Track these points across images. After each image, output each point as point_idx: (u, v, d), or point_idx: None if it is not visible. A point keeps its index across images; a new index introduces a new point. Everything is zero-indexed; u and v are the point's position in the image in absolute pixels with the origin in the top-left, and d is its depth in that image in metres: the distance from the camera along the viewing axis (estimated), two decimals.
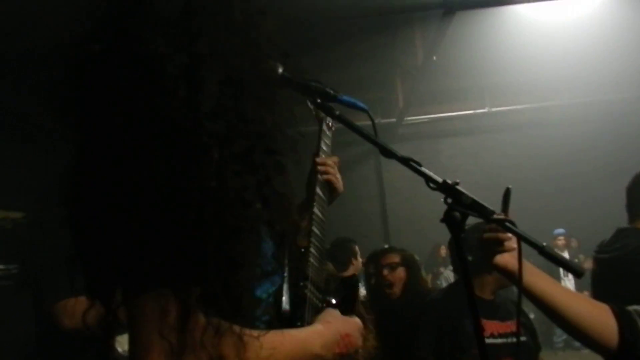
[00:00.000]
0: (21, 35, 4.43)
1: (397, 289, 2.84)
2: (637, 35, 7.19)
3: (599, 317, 1.22)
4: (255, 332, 0.82)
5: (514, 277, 1.21)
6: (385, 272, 2.85)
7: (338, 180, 1.41)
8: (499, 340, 2.10)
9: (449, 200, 0.93)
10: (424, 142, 9.22)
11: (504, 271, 1.26)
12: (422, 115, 9.13)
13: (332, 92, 1.11)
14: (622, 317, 1.21)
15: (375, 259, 3.02)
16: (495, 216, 0.95)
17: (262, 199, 0.84)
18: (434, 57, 6.71)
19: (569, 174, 8.86)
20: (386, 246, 3.86)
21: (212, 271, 0.76)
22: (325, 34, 5.91)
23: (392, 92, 8.68)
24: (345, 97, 1.15)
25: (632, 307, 1.26)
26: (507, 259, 1.25)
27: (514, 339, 2.05)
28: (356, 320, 1.07)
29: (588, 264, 8.41)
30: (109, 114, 0.78)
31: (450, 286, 2.61)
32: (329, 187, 1.38)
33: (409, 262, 2.92)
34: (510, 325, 2.12)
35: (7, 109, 5.18)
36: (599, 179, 8.25)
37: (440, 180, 0.96)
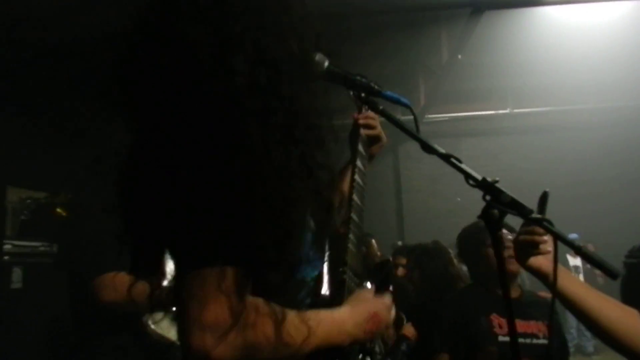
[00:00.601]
0: (61, 26, 4.53)
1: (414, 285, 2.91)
2: None
3: (631, 322, 1.25)
4: (292, 312, 0.87)
5: (548, 280, 1.25)
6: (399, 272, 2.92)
7: (381, 132, 1.42)
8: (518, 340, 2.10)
9: (488, 198, 0.95)
10: (444, 141, 9.15)
11: (538, 273, 1.29)
12: (444, 113, 9.09)
13: (376, 87, 1.15)
14: None
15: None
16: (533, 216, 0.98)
17: (306, 171, 0.87)
18: (459, 56, 6.66)
19: (589, 180, 8.75)
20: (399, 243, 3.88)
21: (264, 242, 0.80)
22: (350, 28, 5.91)
23: (415, 90, 8.64)
24: (389, 93, 1.18)
25: None
26: (541, 262, 1.28)
27: (535, 340, 2.05)
28: (385, 299, 1.11)
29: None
30: (155, 99, 0.83)
31: (467, 285, 2.62)
32: (371, 142, 1.40)
33: (419, 262, 2.96)
34: (533, 326, 2.11)
35: (42, 94, 5.28)
36: (620, 185, 8.14)
37: (479, 177, 0.97)
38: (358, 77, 1.13)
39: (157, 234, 0.86)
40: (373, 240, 3.79)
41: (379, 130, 1.42)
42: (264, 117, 0.82)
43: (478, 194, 0.97)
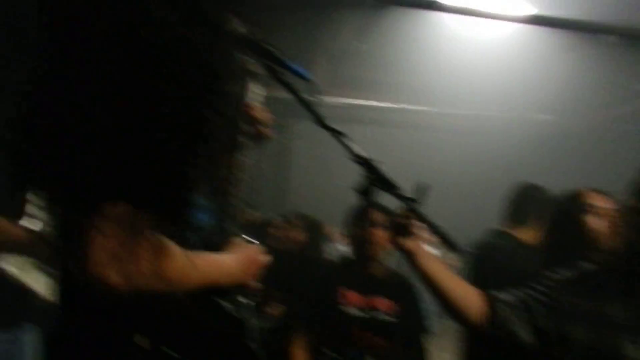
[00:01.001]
0: None
1: (294, 245, 3.06)
2: (542, 62, 7.84)
3: (471, 297, 1.44)
4: (181, 249, 0.94)
5: (412, 258, 1.40)
6: (285, 230, 3.08)
7: (267, 131, 1.47)
8: (361, 313, 2.23)
9: (365, 173, 1.03)
10: (336, 126, 9.35)
11: (405, 252, 1.42)
12: (341, 98, 9.29)
13: (280, 56, 1.16)
14: (489, 302, 1.45)
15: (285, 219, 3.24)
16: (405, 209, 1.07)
17: (212, 133, 0.92)
18: (360, 44, 6.83)
19: (458, 181, 9.53)
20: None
21: (162, 181, 0.85)
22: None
23: (312, 70, 8.70)
24: (292, 64, 1.19)
25: (502, 295, 1.49)
26: (409, 242, 1.40)
27: (382, 317, 2.20)
28: (259, 246, 1.23)
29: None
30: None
31: (337, 261, 2.76)
32: (257, 133, 1.43)
33: (310, 227, 3.13)
34: (383, 303, 2.25)
35: None
36: (482, 190, 8.95)
37: (362, 154, 1.05)
38: (264, 43, 1.14)
39: (48, 170, 0.86)
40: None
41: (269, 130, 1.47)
42: (173, 67, 0.85)
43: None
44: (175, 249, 0.93)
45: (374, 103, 9.69)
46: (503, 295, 1.49)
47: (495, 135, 10.14)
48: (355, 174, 1.05)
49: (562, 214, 1.87)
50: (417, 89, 9.67)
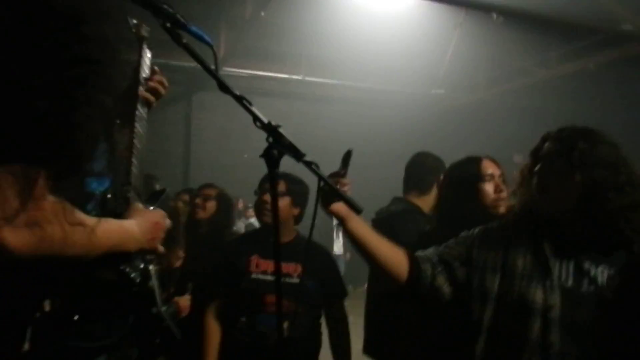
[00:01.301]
0: None
1: (204, 215, 3.07)
2: (434, 39, 8.24)
3: (397, 257, 1.54)
4: (83, 214, 0.93)
5: (344, 222, 1.48)
6: (199, 200, 3.08)
7: (161, 94, 1.47)
8: (268, 277, 2.29)
9: (270, 140, 1.03)
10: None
11: (337, 215, 1.47)
12: (241, 69, 9.13)
13: (182, 20, 1.11)
14: (413, 261, 1.55)
15: (195, 190, 3.25)
16: (333, 173, 1.29)
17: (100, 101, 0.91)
18: (262, 13, 6.73)
19: (363, 152, 9.84)
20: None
21: (60, 151, 0.85)
22: None
23: (215, 40, 8.47)
24: (194, 28, 1.15)
25: (420, 253, 1.60)
26: (339, 207, 1.46)
27: (288, 279, 2.26)
28: (160, 211, 1.25)
29: None
30: None
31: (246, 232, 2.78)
32: (148, 101, 1.42)
33: (221, 198, 3.13)
34: (291, 267, 2.31)
35: None
36: (386, 160, 9.35)
37: (266, 120, 1.05)
38: (165, 6, 1.09)
39: None
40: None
41: (161, 92, 1.46)
42: (59, 35, 0.84)
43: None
44: (79, 214, 0.93)
45: (274, 74, 9.63)
46: (424, 254, 1.59)
47: (394, 108, 10.58)
48: (254, 146, 1.07)
49: (459, 181, 1.98)
50: (318, 60, 9.77)
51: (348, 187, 1.46)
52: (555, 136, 1.52)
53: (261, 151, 1.06)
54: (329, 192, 1.42)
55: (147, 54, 1.46)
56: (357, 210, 1.10)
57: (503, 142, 9.95)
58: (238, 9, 7.42)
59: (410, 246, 1.63)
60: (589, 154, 1.42)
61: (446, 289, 1.56)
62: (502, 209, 1.87)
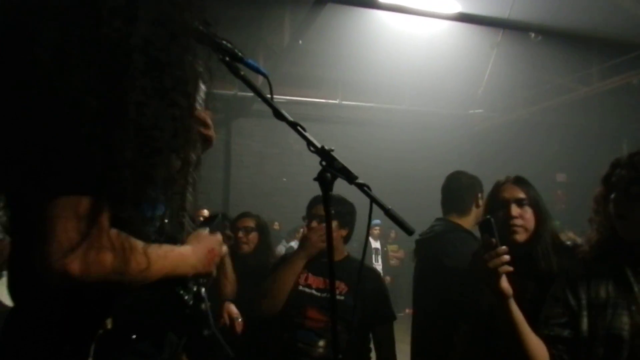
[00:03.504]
0: None
1: (249, 249, 3.12)
2: (471, 59, 8.22)
3: (543, 351, 1.49)
4: (141, 243, 0.98)
5: (507, 301, 1.46)
6: (241, 235, 3.12)
7: (213, 134, 1.51)
8: (313, 292, 2.34)
9: (324, 163, 1.08)
10: (277, 121, 9.21)
11: (503, 294, 1.46)
12: (279, 94, 9.31)
13: (240, 53, 1.19)
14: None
15: (233, 222, 3.28)
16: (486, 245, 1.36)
17: (173, 131, 1.00)
18: (300, 42, 6.89)
19: (400, 175, 9.82)
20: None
21: (123, 180, 0.90)
22: None
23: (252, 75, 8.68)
24: (250, 61, 1.22)
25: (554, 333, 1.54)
26: (506, 285, 1.46)
27: (327, 294, 2.27)
28: (217, 236, 1.27)
29: (400, 254, 9.47)
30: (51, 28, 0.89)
31: None
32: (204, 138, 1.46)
33: (261, 228, 3.18)
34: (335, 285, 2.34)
35: None
36: (422, 180, 9.29)
37: (319, 145, 1.10)
38: (224, 41, 1.17)
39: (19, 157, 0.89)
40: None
41: (212, 132, 1.49)
42: (147, 75, 0.92)
43: (301, 176, 1.10)
44: (135, 242, 0.97)
45: (311, 99, 9.78)
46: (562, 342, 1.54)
47: (432, 129, 10.53)
48: (291, 171, 1.11)
49: (489, 206, 1.96)
50: (355, 85, 9.87)
51: (508, 256, 1.46)
52: (627, 162, 1.51)
53: (297, 176, 1.10)
54: (489, 271, 1.45)
55: (202, 88, 1.54)
56: (408, 231, 1.12)
57: (545, 162, 9.75)
58: (276, 37, 7.63)
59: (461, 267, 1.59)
60: None
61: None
62: (518, 236, 1.77)
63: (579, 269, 1.57)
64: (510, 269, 1.46)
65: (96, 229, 0.88)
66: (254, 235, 3.09)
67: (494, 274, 1.45)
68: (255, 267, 2.97)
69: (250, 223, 3.13)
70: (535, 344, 1.49)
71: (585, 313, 1.49)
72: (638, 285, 1.44)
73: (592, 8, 6.40)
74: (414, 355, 2.53)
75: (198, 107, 1.48)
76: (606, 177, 1.55)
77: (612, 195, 1.49)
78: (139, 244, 0.97)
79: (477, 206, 2.49)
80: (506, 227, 1.79)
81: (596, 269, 1.53)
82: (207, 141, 1.48)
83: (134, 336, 1.07)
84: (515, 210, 1.80)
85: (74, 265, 0.86)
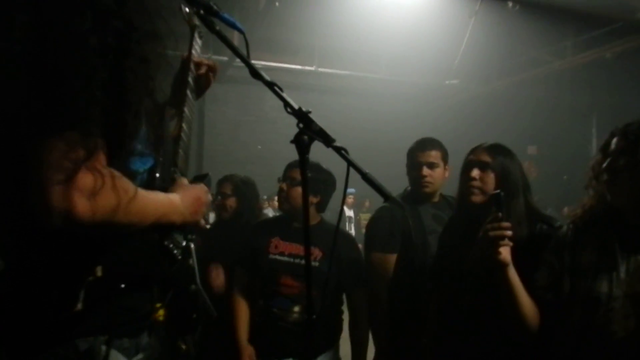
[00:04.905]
0: None
1: (227, 215, 3.10)
2: (448, 29, 8.17)
3: (535, 314, 1.56)
4: (133, 185, 1.00)
5: (506, 269, 1.51)
6: (217, 200, 3.16)
7: (215, 76, 1.55)
8: (285, 259, 2.34)
9: (301, 125, 1.05)
10: (251, 88, 9.24)
11: (502, 263, 1.50)
12: (254, 60, 9.10)
13: (215, 7, 1.17)
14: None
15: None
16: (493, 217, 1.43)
17: (141, 72, 1.01)
18: (277, 4, 6.72)
19: (375, 144, 9.83)
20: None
21: (113, 126, 0.94)
22: None
23: (229, 31, 8.47)
24: (226, 15, 1.21)
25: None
26: (506, 256, 1.51)
27: (302, 261, 2.27)
28: (202, 186, 1.29)
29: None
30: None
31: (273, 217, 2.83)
32: (199, 85, 1.49)
33: (239, 191, 3.15)
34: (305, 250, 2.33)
35: None
36: (396, 150, 9.32)
37: (296, 106, 1.06)
38: None
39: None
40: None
41: (211, 76, 1.52)
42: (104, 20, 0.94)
43: (275, 144, 1.06)
44: (133, 185, 0.99)
45: (287, 65, 9.62)
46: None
47: (407, 99, 10.52)
48: (266, 138, 1.08)
49: (462, 170, 1.96)
50: (332, 52, 9.74)
51: (509, 232, 1.50)
52: (622, 131, 1.53)
53: (272, 144, 1.08)
54: (492, 239, 1.49)
55: (198, 42, 1.52)
56: (386, 196, 1.11)
57: (517, 134, 9.87)
58: (252, 0, 7.41)
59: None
60: None
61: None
62: (474, 197, 1.81)
63: (569, 232, 1.61)
64: (510, 243, 1.51)
65: (96, 167, 0.90)
66: (232, 201, 3.06)
67: (492, 244, 1.50)
68: (234, 232, 2.94)
69: (227, 189, 3.09)
70: (529, 307, 1.55)
71: (567, 276, 1.54)
72: (621, 254, 1.48)
73: None
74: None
75: (194, 54, 1.48)
76: (603, 146, 1.58)
77: (605, 164, 1.51)
78: (135, 186, 1.00)
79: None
80: (466, 188, 1.83)
81: (585, 234, 1.57)
82: (205, 84, 1.52)
83: (123, 285, 1.08)
84: (475, 172, 1.82)
85: (80, 203, 0.86)
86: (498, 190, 1.59)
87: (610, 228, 1.53)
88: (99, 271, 1.02)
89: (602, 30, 7.88)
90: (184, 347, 1.29)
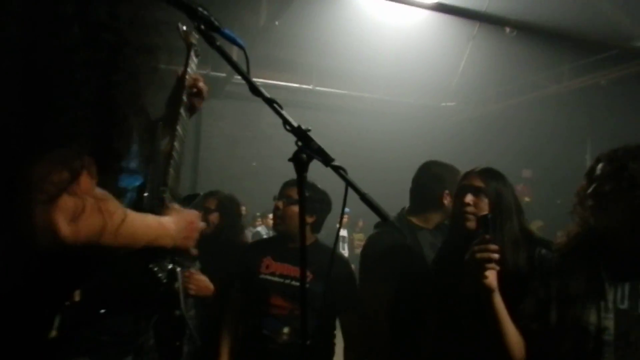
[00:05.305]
0: None
1: (209, 230, 3.07)
2: (446, 51, 8.24)
3: (520, 343, 1.53)
4: (124, 208, 0.97)
5: (492, 295, 1.48)
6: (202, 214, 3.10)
7: (204, 97, 1.54)
8: (276, 279, 2.30)
9: (300, 143, 1.03)
10: (249, 104, 9.26)
11: (488, 288, 1.48)
12: (253, 77, 9.14)
13: (216, 22, 1.14)
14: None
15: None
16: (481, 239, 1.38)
17: (132, 86, 0.98)
18: (276, 23, 6.78)
19: (371, 164, 9.84)
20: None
21: (101, 146, 0.92)
22: None
23: (228, 47, 8.53)
24: (227, 31, 1.18)
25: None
26: (492, 281, 1.48)
27: (294, 282, 2.24)
28: (196, 212, 1.28)
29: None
30: None
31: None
32: (192, 104, 1.47)
33: (223, 208, 3.12)
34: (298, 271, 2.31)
35: None
36: (391, 171, 9.34)
37: (295, 124, 1.05)
38: (200, 9, 1.12)
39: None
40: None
41: (204, 95, 1.52)
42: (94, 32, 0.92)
43: (272, 161, 1.05)
44: (123, 208, 0.97)
45: (285, 83, 9.67)
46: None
47: (404, 119, 10.57)
48: (262, 154, 1.06)
49: (455, 195, 1.94)
50: (329, 71, 9.81)
51: (498, 255, 1.48)
52: (607, 156, 1.52)
53: (269, 160, 1.06)
54: (479, 261, 1.48)
55: (194, 60, 1.51)
56: (384, 217, 1.09)
57: (513, 156, 9.91)
58: (252, 17, 7.47)
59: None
60: (639, 174, 1.42)
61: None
62: (469, 223, 1.79)
63: (554, 260, 1.59)
64: (497, 267, 1.48)
65: (84, 189, 0.88)
66: (214, 216, 3.04)
67: (479, 267, 1.48)
68: (213, 248, 2.92)
69: (211, 204, 3.08)
70: (514, 336, 1.52)
71: (554, 305, 1.52)
72: (609, 282, 1.46)
73: (566, 7, 6.48)
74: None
75: (190, 72, 1.48)
76: (589, 172, 1.56)
77: (590, 190, 1.50)
78: (125, 209, 0.97)
79: (441, 206, 2.35)
80: (460, 214, 1.82)
81: (571, 261, 1.54)
82: (198, 103, 1.51)
83: (103, 310, 1.05)
84: (469, 197, 1.81)
85: (63, 223, 0.84)
86: (486, 213, 1.58)
87: (597, 255, 1.50)
88: (76, 296, 0.99)
89: (598, 57, 7.98)
90: None
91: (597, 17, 6.53)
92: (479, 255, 1.48)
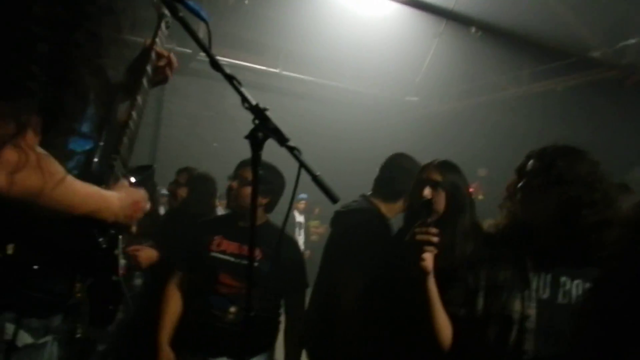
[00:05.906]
0: None
1: (176, 205, 3.07)
2: (412, 46, 8.33)
3: (449, 328, 1.58)
4: (67, 174, 0.95)
5: (427, 278, 1.52)
6: (169, 187, 3.11)
7: (171, 71, 1.51)
8: (226, 257, 2.30)
9: (257, 122, 1.04)
10: (213, 83, 9.12)
11: (425, 270, 1.50)
12: (219, 56, 8.97)
13: None
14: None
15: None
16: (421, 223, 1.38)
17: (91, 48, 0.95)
18: (246, 2, 6.67)
19: (333, 151, 9.87)
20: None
21: (50, 97, 0.89)
22: None
23: (195, 23, 8.33)
24: (192, 3, 1.18)
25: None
26: (429, 264, 1.50)
27: (244, 261, 2.25)
28: (144, 191, 1.24)
29: (321, 229, 9.60)
30: None
31: (223, 214, 2.82)
32: (155, 76, 1.45)
33: (192, 183, 3.12)
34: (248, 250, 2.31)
35: None
36: (351, 161, 9.40)
37: (254, 102, 1.05)
38: None
39: None
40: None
41: (171, 69, 1.49)
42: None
43: (234, 143, 1.04)
44: (65, 173, 0.94)
45: (252, 65, 9.54)
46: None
47: (368, 111, 10.64)
48: (223, 136, 1.06)
49: (413, 187, 1.99)
50: (297, 56, 9.74)
51: (437, 238, 1.51)
52: (538, 154, 1.58)
53: (230, 143, 1.06)
54: (418, 243, 1.50)
55: (164, 33, 1.48)
56: (333, 199, 1.11)
57: (472, 154, 10.14)
58: None
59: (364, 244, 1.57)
60: (567, 171, 1.49)
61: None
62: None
63: (483, 251, 1.66)
64: (434, 250, 1.53)
65: (25, 145, 0.85)
66: (182, 190, 3.05)
67: (418, 248, 1.52)
68: (178, 221, 2.91)
69: (182, 178, 3.10)
70: (443, 320, 1.57)
71: (482, 293, 1.58)
72: (533, 273, 1.54)
73: (531, 13, 6.65)
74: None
75: (158, 43, 1.45)
76: (520, 167, 1.64)
77: (520, 184, 1.57)
78: (67, 175, 0.95)
79: (405, 200, 2.43)
80: (417, 207, 1.85)
81: (499, 252, 1.61)
82: (164, 78, 1.48)
83: (36, 267, 1.02)
84: (427, 191, 1.87)
85: (2, 176, 0.83)
86: (429, 199, 1.65)
87: (523, 246, 1.58)
88: (9, 249, 0.96)
89: (557, 63, 8.23)
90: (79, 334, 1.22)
91: (559, 26, 6.74)
92: (419, 237, 1.53)
